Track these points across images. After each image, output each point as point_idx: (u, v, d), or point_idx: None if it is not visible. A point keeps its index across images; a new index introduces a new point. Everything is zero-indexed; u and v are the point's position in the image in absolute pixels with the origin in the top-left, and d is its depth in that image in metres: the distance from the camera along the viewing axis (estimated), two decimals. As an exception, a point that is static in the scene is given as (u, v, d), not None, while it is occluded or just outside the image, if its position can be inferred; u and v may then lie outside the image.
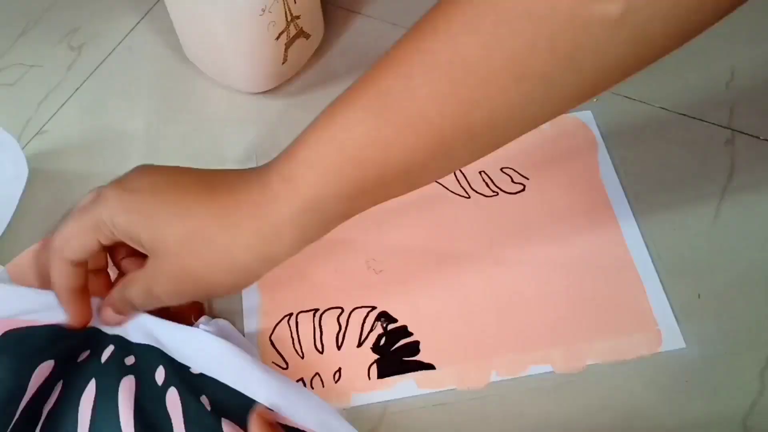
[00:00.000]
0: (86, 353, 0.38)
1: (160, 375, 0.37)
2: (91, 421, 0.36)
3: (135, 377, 0.37)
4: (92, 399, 0.36)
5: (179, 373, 0.37)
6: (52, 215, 0.48)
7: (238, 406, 0.36)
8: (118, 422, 0.35)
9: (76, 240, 0.35)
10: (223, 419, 0.36)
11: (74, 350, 0.38)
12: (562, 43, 0.27)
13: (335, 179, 0.31)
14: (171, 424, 0.35)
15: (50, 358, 0.37)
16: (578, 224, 0.45)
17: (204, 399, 0.36)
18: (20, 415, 0.35)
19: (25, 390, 0.36)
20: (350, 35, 0.57)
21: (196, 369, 0.38)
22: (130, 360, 0.38)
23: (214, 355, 0.38)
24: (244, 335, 0.42)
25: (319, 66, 0.55)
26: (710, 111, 0.48)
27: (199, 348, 0.38)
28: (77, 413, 0.36)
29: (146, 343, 0.38)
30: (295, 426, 0.36)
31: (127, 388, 0.36)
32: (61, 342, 0.38)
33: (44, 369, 0.37)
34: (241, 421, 0.36)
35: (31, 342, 0.38)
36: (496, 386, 0.39)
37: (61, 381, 0.37)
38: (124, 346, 0.38)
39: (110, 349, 0.38)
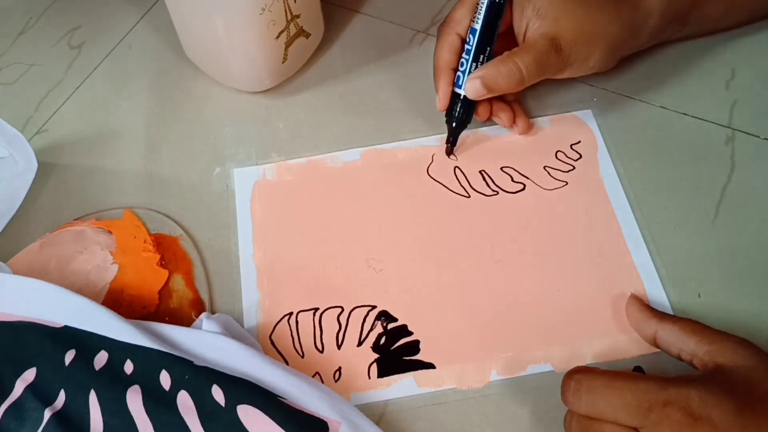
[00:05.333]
0: (72, 354, 0.38)
1: (165, 380, 0.37)
2: None
3: (140, 387, 0.37)
4: (99, 415, 0.36)
5: (184, 371, 0.37)
6: (51, 213, 0.48)
7: (251, 389, 0.37)
8: None
9: (467, 19, 0.45)
10: (238, 406, 0.36)
11: (57, 354, 0.38)
12: None
13: None
14: (187, 426, 0.36)
15: (32, 366, 0.37)
16: (578, 224, 0.45)
17: (216, 388, 0.37)
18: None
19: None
20: (350, 34, 0.57)
21: (199, 362, 0.38)
22: (129, 367, 0.38)
23: (218, 348, 0.38)
24: (244, 334, 0.42)
25: (319, 65, 0.55)
26: (710, 110, 0.48)
27: (202, 344, 0.39)
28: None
29: (141, 344, 0.38)
30: (310, 413, 0.36)
31: (136, 401, 0.36)
32: (45, 344, 0.38)
33: (28, 376, 0.37)
34: (258, 404, 0.36)
35: (17, 342, 0.38)
36: (496, 385, 0.39)
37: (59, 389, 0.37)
38: (117, 349, 0.38)
39: (103, 355, 0.38)
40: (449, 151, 0.48)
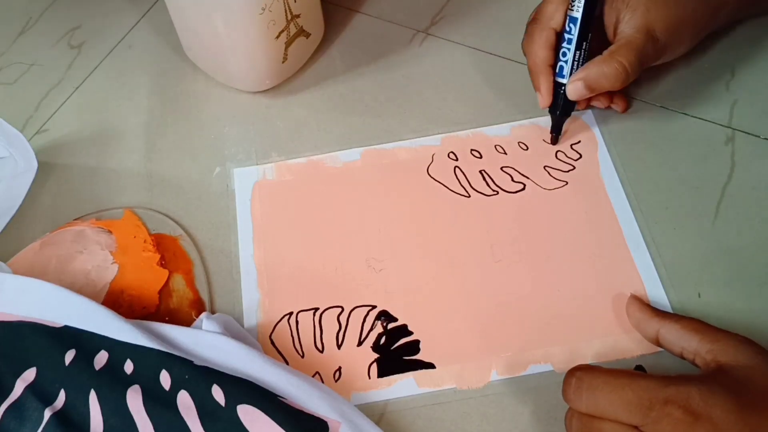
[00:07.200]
0: (72, 353, 0.38)
1: (165, 380, 0.37)
2: None
3: (140, 386, 0.37)
4: (99, 415, 0.36)
5: (184, 371, 0.37)
6: (51, 213, 0.48)
7: (251, 389, 0.37)
8: None
9: (559, 12, 0.45)
10: (238, 406, 0.36)
11: (57, 354, 0.38)
12: None
13: None
14: (187, 426, 0.36)
15: (32, 366, 0.37)
16: (578, 223, 0.45)
17: (216, 388, 0.37)
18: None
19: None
20: (350, 33, 0.57)
21: (199, 362, 0.38)
22: (129, 367, 0.38)
23: (218, 348, 0.38)
24: (244, 334, 0.42)
25: (319, 64, 0.55)
26: (710, 110, 0.48)
27: (202, 344, 0.39)
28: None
29: (141, 344, 0.38)
30: (310, 413, 0.37)
31: (137, 401, 0.36)
32: (45, 344, 0.38)
33: (28, 375, 0.37)
34: (258, 403, 0.36)
35: (17, 342, 0.38)
36: (496, 385, 0.39)
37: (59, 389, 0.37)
38: (117, 349, 0.38)
39: (103, 355, 0.38)
40: (555, 141, 0.48)
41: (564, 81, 0.45)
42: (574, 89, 0.44)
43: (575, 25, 0.44)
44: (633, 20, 0.43)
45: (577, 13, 0.44)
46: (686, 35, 0.45)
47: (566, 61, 0.45)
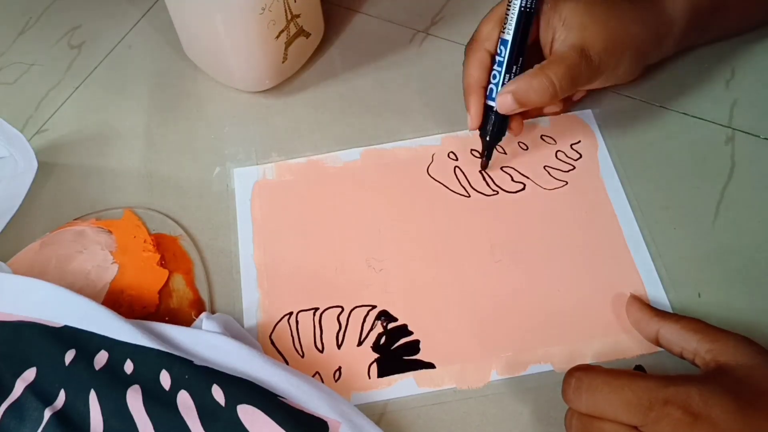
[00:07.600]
0: (72, 353, 0.38)
1: (165, 380, 0.37)
2: None
3: (140, 386, 0.37)
4: (99, 415, 0.36)
5: (184, 371, 0.37)
6: (51, 213, 0.48)
7: (251, 388, 0.37)
8: None
9: (495, 33, 0.44)
10: (238, 406, 0.36)
11: (57, 354, 0.38)
12: None
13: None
14: (187, 426, 0.36)
15: (32, 366, 0.37)
16: (578, 223, 0.45)
17: (216, 388, 0.37)
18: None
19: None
20: (350, 33, 0.57)
21: (199, 362, 0.38)
22: (129, 367, 0.38)
23: (218, 348, 0.38)
24: (244, 334, 0.42)
25: (319, 64, 0.55)
26: (710, 110, 0.48)
27: (201, 344, 0.39)
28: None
29: (141, 344, 0.38)
30: (310, 413, 0.37)
31: (137, 401, 0.36)
32: (45, 343, 0.38)
33: (28, 375, 0.37)
34: (258, 403, 0.36)
35: (17, 342, 0.38)
36: (496, 385, 0.39)
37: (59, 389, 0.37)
38: (117, 349, 0.38)
39: (103, 355, 0.38)
40: (484, 166, 0.47)
41: (494, 104, 0.44)
42: (503, 102, 0.43)
43: (506, 47, 0.43)
44: (568, 39, 0.43)
45: (508, 35, 0.43)
46: (625, 58, 0.44)
47: (496, 84, 0.44)
